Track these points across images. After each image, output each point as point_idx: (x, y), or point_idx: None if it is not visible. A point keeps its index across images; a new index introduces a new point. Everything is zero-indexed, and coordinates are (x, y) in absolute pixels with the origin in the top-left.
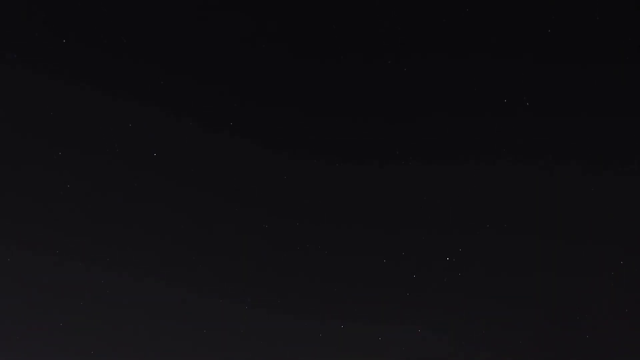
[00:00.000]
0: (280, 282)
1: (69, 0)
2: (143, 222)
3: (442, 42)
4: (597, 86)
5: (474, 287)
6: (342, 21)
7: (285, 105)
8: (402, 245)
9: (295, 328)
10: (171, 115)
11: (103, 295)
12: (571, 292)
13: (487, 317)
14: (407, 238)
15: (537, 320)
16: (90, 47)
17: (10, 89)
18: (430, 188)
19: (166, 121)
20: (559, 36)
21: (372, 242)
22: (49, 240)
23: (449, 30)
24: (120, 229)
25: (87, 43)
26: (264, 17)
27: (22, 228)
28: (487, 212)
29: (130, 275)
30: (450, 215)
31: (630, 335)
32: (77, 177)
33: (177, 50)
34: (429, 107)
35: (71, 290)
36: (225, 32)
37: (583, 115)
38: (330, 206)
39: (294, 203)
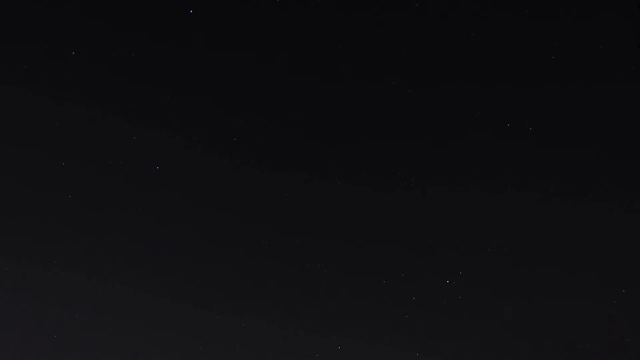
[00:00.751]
0: (277, 302)
1: (69, 12)
2: (140, 235)
3: (447, 67)
4: (601, 109)
5: (474, 310)
6: (346, 43)
7: (285, 127)
8: (402, 266)
9: (291, 348)
10: (175, 131)
11: (100, 306)
12: (573, 318)
13: (486, 341)
14: (407, 260)
15: (538, 346)
16: (98, 64)
17: (16, 102)
18: (431, 210)
19: (169, 137)
20: (562, 63)
21: (372, 262)
22: (45, 250)
23: (453, 54)
24: (122, 242)
25: (96, 59)
26: (269, 39)
27: (22, 238)
28: (488, 236)
29: (128, 288)
30: (451, 238)
31: None
32: (78, 185)
33: (182, 66)
34: (434, 130)
35: (67, 302)
36: (232, 52)
37: (585, 142)
38: (330, 227)
39: (294, 222)
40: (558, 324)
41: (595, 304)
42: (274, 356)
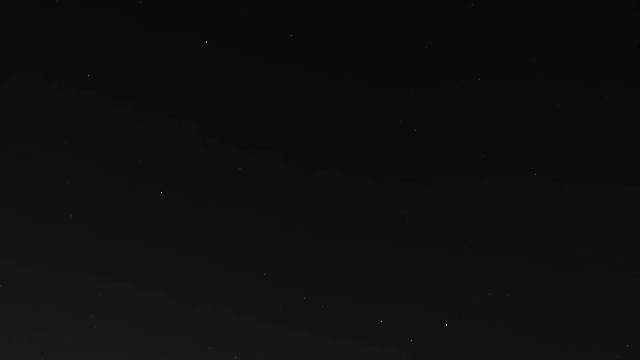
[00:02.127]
0: (274, 335)
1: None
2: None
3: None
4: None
5: (472, 355)
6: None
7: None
8: (401, 307)
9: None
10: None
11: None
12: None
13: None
14: (406, 301)
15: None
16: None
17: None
18: (431, 251)
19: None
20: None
21: (370, 303)
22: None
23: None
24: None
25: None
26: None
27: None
28: (488, 281)
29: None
30: (450, 281)
31: None
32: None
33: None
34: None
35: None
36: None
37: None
38: (330, 265)
39: (293, 256)
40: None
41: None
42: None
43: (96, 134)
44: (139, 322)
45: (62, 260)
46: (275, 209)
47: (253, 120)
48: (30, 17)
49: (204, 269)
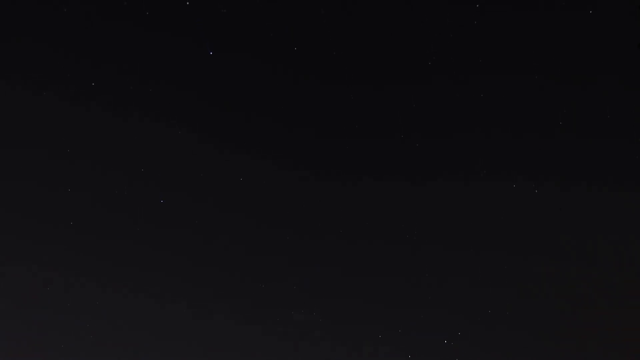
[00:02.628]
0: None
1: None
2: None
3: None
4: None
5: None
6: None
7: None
8: (399, 323)
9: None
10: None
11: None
12: None
13: None
14: (405, 316)
15: None
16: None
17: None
18: (431, 270)
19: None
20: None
21: (368, 318)
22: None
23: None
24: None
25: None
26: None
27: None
28: (488, 298)
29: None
30: (450, 297)
31: None
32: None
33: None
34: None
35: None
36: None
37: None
38: (328, 283)
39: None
40: None
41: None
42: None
43: (98, 142)
44: (139, 325)
45: (61, 264)
46: (274, 214)
47: (253, 126)
48: (36, 22)
49: (204, 274)
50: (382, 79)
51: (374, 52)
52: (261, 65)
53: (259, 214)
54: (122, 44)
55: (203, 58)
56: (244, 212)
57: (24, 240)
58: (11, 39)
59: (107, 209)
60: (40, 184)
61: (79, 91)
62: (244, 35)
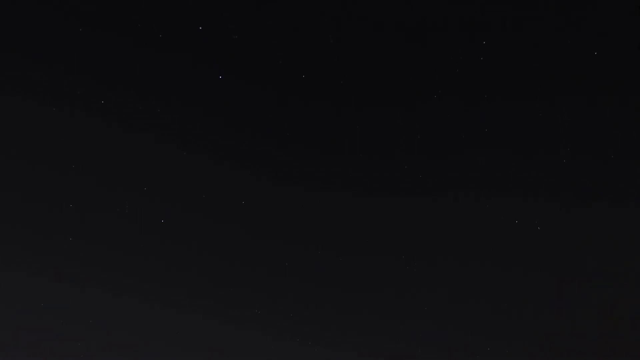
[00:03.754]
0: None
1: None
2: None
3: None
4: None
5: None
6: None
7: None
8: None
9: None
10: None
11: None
12: None
13: None
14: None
15: None
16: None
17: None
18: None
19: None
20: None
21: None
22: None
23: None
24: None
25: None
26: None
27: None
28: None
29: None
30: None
31: None
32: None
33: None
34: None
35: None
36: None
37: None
38: (328, 299)
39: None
40: None
41: None
42: None
43: (101, 160)
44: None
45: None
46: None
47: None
48: (49, 40)
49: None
50: (385, 101)
51: (379, 79)
52: (270, 92)
53: (254, 227)
54: (134, 65)
55: (213, 81)
56: (239, 223)
57: (18, 246)
58: (27, 61)
59: (107, 221)
60: (43, 199)
61: (89, 108)
62: (253, 61)
